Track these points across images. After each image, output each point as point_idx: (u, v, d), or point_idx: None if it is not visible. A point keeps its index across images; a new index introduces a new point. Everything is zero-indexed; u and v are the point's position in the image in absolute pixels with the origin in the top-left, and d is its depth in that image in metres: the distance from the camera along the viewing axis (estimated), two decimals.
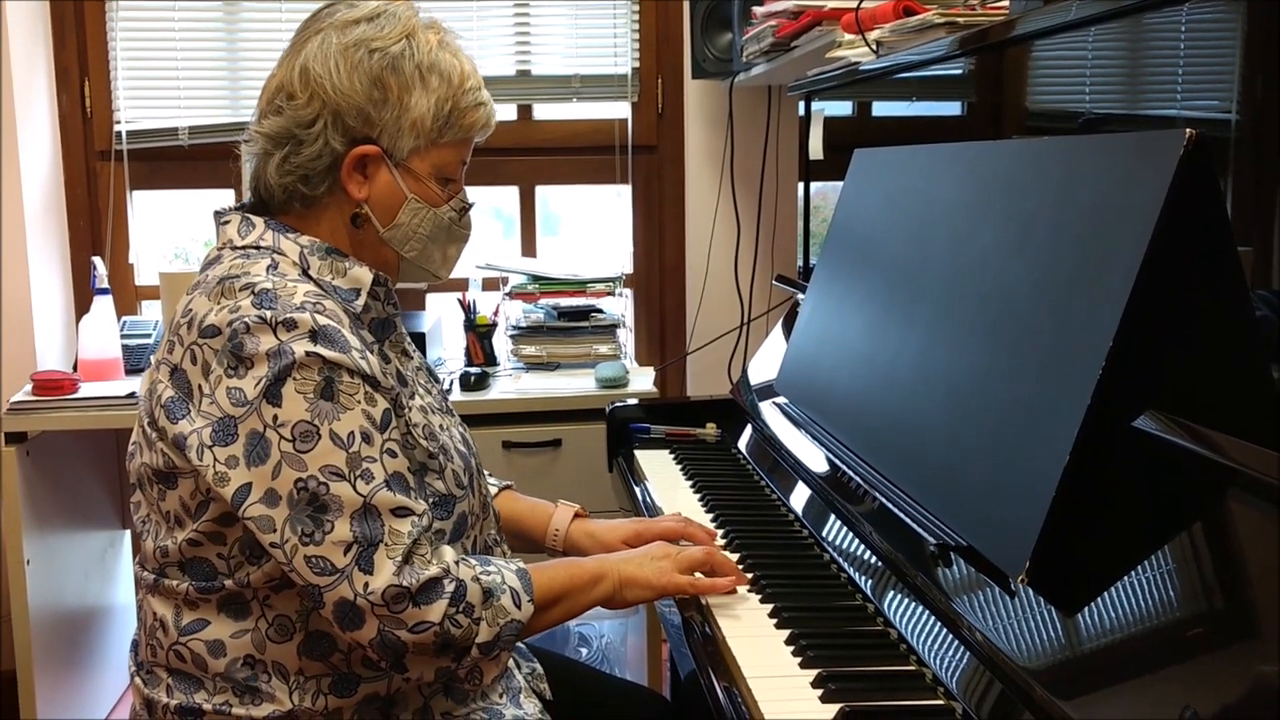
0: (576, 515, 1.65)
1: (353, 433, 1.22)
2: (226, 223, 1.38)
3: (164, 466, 1.28)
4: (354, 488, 1.21)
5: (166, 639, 1.31)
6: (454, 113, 1.36)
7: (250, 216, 1.37)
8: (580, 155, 3.23)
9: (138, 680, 1.38)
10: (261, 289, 1.25)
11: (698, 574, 1.42)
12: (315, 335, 1.23)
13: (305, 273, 1.32)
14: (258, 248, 1.34)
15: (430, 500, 1.35)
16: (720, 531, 1.64)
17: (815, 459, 1.70)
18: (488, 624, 1.26)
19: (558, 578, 1.36)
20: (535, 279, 2.88)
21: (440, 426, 1.42)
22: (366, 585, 1.19)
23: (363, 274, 1.36)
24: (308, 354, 1.21)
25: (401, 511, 1.23)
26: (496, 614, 1.27)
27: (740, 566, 1.47)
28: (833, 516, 1.56)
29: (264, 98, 1.36)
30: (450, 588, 1.23)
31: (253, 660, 1.30)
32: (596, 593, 1.38)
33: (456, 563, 1.26)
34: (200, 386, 1.24)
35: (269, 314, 1.23)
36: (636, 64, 3.17)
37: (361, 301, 1.35)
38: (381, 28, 1.34)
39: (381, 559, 1.20)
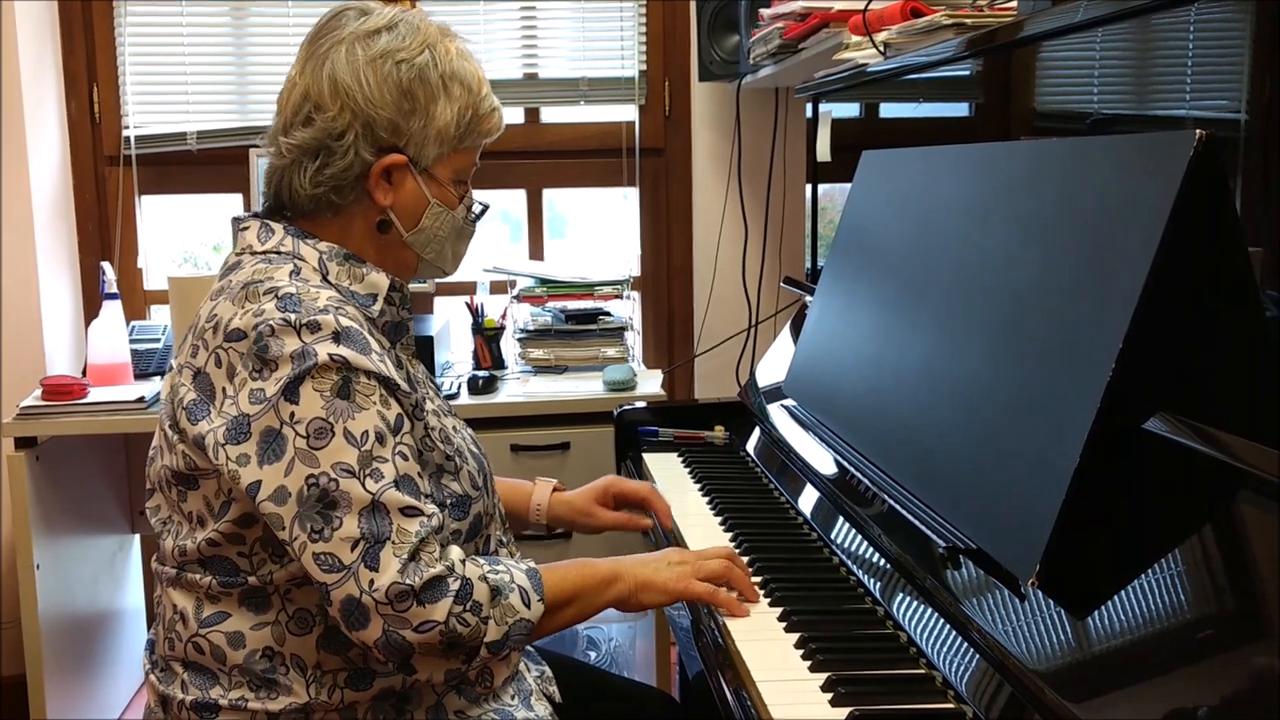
0: (555, 489, 1.72)
1: (366, 431, 1.23)
2: (245, 229, 1.40)
3: (185, 468, 1.30)
4: (363, 485, 1.21)
5: (186, 631, 1.33)
6: (474, 120, 1.40)
7: (269, 222, 1.39)
8: (587, 158, 3.23)
9: (153, 678, 1.39)
10: (285, 293, 1.27)
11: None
12: (339, 336, 1.25)
13: (324, 278, 1.35)
14: (278, 253, 1.36)
15: (448, 501, 1.36)
16: (729, 535, 1.65)
17: (824, 461, 1.70)
18: (496, 622, 1.25)
19: (569, 578, 1.35)
20: (543, 282, 2.88)
21: (453, 429, 1.45)
22: (372, 582, 1.19)
23: (380, 279, 1.38)
24: (330, 355, 1.23)
25: (410, 511, 1.23)
26: (505, 613, 1.26)
27: (750, 569, 1.46)
28: (841, 519, 1.56)
29: (289, 107, 1.38)
30: (455, 586, 1.23)
31: (271, 652, 1.31)
32: (610, 594, 1.38)
33: (462, 561, 1.26)
34: (224, 389, 1.26)
35: (293, 316, 1.25)
36: (644, 67, 3.18)
37: (378, 307, 1.38)
38: (403, 38, 1.37)
39: (388, 557, 1.20)
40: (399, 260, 1.43)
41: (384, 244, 1.41)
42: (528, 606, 1.28)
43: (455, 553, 1.26)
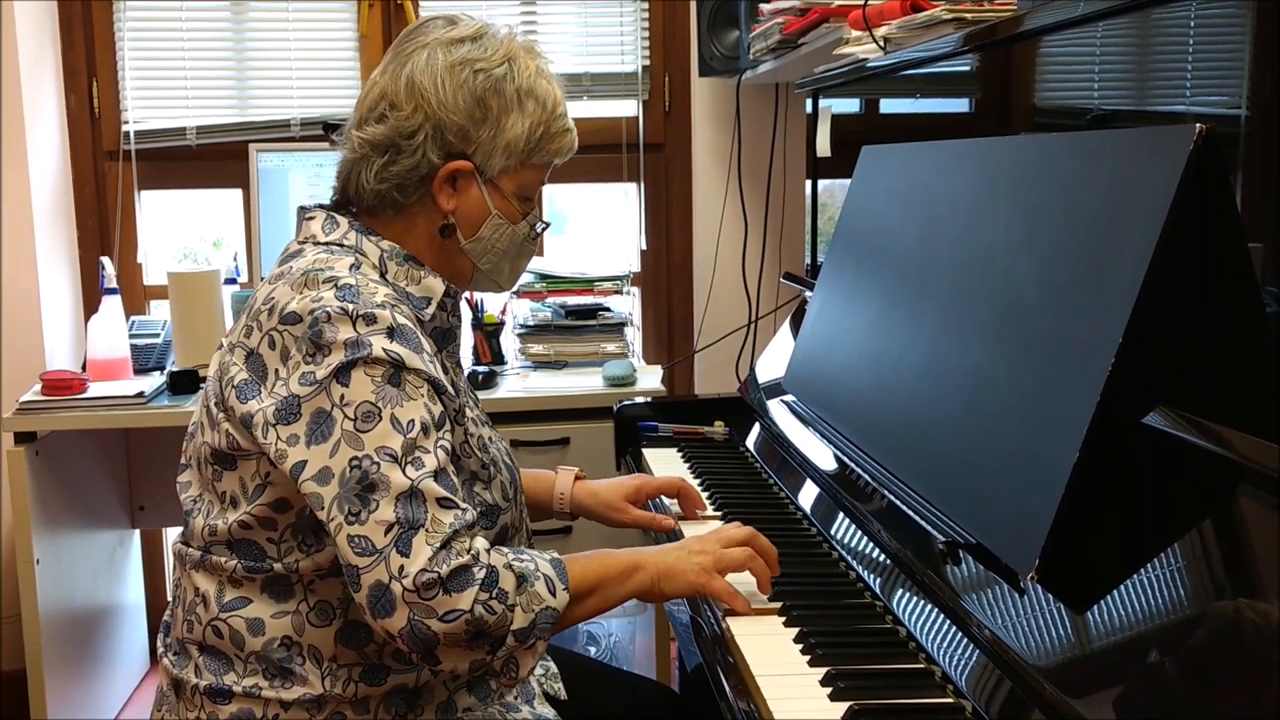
0: (576, 478, 1.72)
1: (413, 420, 1.24)
2: (310, 218, 1.43)
3: (226, 447, 1.31)
4: (403, 471, 1.22)
5: (206, 614, 1.33)
6: (544, 137, 1.42)
7: (335, 215, 1.41)
8: (587, 153, 3.20)
9: (166, 661, 1.39)
10: (345, 283, 1.29)
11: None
12: (393, 333, 1.26)
13: (383, 275, 1.37)
14: (341, 245, 1.38)
15: (478, 509, 1.37)
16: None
17: (823, 457, 1.70)
18: (522, 609, 1.24)
19: (592, 568, 1.34)
20: (543, 277, 2.88)
21: (489, 439, 1.46)
22: (402, 569, 1.19)
23: (435, 284, 1.40)
24: (385, 350, 1.25)
25: (446, 502, 1.23)
26: (531, 600, 1.25)
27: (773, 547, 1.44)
28: (841, 514, 1.56)
29: (364, 104, 1.41)
30: (480, 574, 1.21)
31: (290, 642, 1.31)
32: (632, 584, 1.36)
33: (488, 550, 1.25)
34: (277, 371, 1.28)
35: (350, 306, 1.26)
36: (644, 62, 3.17)
37: (431, 310, 1.39)
38: (485, 49, 1.40)
39: (420, 544, 1.20)
40: (455, 267, 1.44)
41: (442, 249, 1.43)
42: (553, 595, 1.27)
43: (480, 542, 1.25)
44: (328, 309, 1.26)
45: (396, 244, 1.40)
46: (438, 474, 1.24)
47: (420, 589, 1.19)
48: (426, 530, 1.20)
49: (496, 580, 1.23)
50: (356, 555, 1.20)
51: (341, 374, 1.24)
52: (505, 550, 1.29)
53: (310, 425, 1.24)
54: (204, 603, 1.34)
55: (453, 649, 1.22)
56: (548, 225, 1.54)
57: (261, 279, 2.27)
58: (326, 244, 1.39)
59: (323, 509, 1.22)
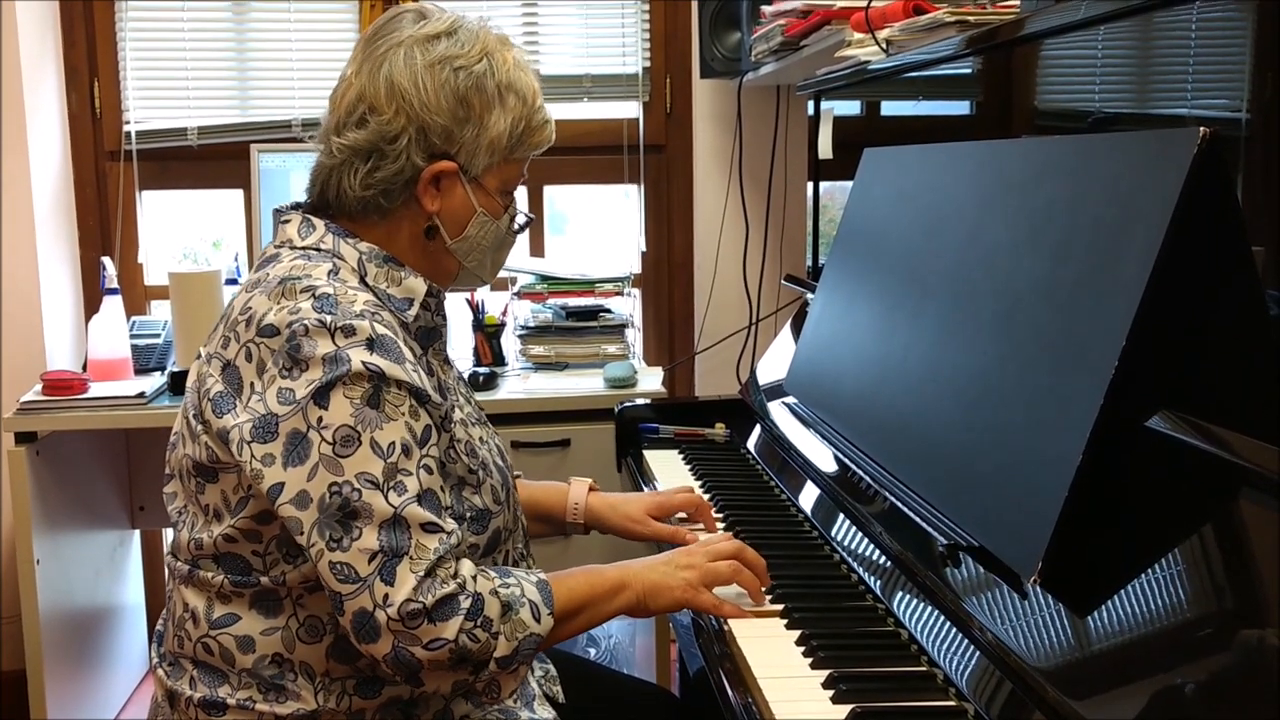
0: (590, 489, 1.70)
1: (393, 443, 1.22)
2: (286, 222, 1.40)
3: (207, 460, 1.29)
4: (386, 498, 1.21)
5: (196, 631, 1.32)
6: (526, 131, 1.41)
7: (310, 218, 1.39)
8: (588, 155, 3.22)
9: (160, 671, 1.38)
10: (322, 293, 1.26)
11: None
12: (372, 344, 1.24)
13: (362, 279, 1.34)
14: (318, 250, 1.36)
15: (467, 515, 1.36)
16: (729, 533, 1.64)
17: (824, 459, 1.70)
18: (506, 638, 1.24)
19: (578, 589, 1.34)
20: (543, 279, 2.88)
21: (480, 440, 1.44)
22: (386, 597, 1.18)
23: (417, 284, 1.38)
24: (364, 363, 1.22)
25: (430, 527, 1.22)
26: (515, 628, 1.25)
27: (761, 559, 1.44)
28: (842, 516, 1.56)
29: (343, 107, 1.37)
30: (466, 604, 1.22)
31: (280, 659, 1.30)
32: (619, 602, 1.36)
33: (474, 577, 1.25)
34: (252, 384, 1.26)
35: (329, 318, 1.24)
36: (646, 64, 3.17)
37: (414, 312, 1.37)
38: (462, 45, 1.37)
39: (405, 572, 1.19)
40: (440, 267, 1.42)
41: (427, 250, 1.41)
42: (538, 621, 1.27)
43: (467, 568, 1.25)
44: (305, 322, 1.23)
45: (376, 245, 1.37)
46: (421, 497, 1.22)
47: (405, 618, 1.19)
48: (411, 558, 1.20)
49: (482, 608, 1.23)
50: (339, 582, 1.20)
51: (320, 396, 1.22)
52: (492, 574, 1.28)
53: (287, 446, 1.22)
54: (193, 619, 1.32)
55: (436, 673, 1.23)
56: (532, 219, 1.52)
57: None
58: (303, 248, 1.36)
59: (302, 534, 1.21)
